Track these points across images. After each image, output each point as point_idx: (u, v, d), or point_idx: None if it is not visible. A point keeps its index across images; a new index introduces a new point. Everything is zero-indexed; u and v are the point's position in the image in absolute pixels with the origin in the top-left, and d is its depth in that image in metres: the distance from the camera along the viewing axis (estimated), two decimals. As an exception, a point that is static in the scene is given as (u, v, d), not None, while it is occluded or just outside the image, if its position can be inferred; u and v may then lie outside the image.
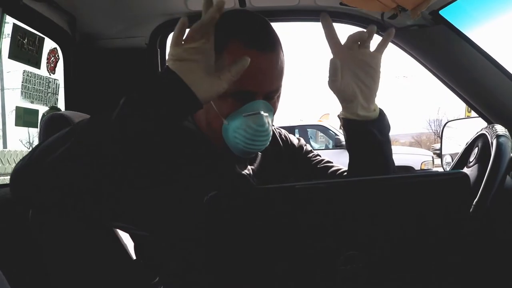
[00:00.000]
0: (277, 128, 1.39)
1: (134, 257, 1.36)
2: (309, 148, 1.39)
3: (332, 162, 1.38)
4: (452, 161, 1.56)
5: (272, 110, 1.13)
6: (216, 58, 1.01)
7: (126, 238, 1.36)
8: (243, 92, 1.08)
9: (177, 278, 1.16)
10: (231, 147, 1.13)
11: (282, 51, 1.13)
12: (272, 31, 1.13)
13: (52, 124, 1.41)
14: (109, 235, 1.30)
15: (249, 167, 1.24)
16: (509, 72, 1.65)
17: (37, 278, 1.36)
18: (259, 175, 1.24)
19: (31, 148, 0.97)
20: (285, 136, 1.38)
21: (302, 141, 1.41)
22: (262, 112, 1.09)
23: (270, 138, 1.14)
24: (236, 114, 1.09)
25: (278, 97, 1.16)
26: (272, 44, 1.10)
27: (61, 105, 2.03)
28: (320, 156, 1.39)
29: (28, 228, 1.28)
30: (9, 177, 0.94)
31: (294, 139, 1.40)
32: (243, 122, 1.09)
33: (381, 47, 1.18)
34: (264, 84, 1.09)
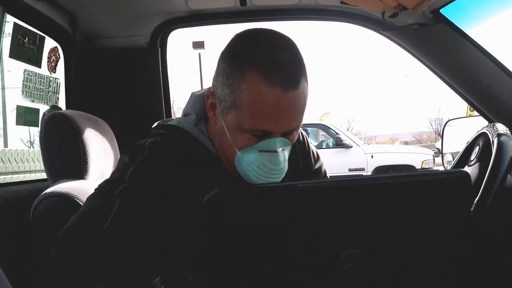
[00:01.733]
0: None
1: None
2: (319, 165, 1.33)
3: None
4: (453, 159, 1.56)
5: (290, 144, 1.06)
6: (232, 87, 0.98)
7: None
8: (260, 130, 1.00)
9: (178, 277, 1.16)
10: (243, 177, 1.07)
11: (307, 82, 1.02)
12: (299, 59, 1.01)
13: (53, 123, 1.41)
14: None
15: None
16: (510, 71, 1.65)
17: (37, 277, 1.36)
18: None
19: (32, 148, 0.98)
20: (303, 141, 1.31)
21: (320, 159, 1.34)
22: (278, 150, 1.02)
23: (285, 172, 1.07)
24: (251, 148, 1.03)
25: (298, 129, 1.08)
26: (297, 80, 0.98)
27: (61, 104, 2.03)
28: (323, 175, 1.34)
29: (28, 227, 1.28)
30: (10, 176, 0.94)
31: (313, 150, 1.33)
32: (257, 158, 1.02)
33: None
34: (284, 124, 1.01)
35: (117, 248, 0.98)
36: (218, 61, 1.05)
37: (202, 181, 1.06)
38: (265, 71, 0.96)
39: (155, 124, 1.23)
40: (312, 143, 1.34)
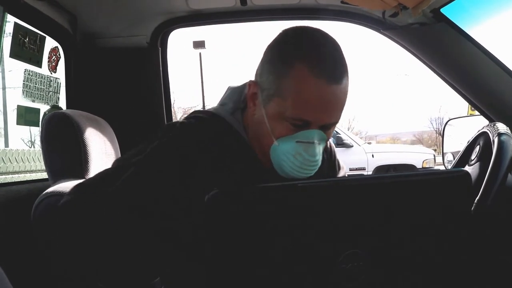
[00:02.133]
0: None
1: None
2: (342, 175, 1.36)
3: None
4: (454, 159, 1.56)
5: (326, 138, 1.08)
6: (278, 75, 1.02)
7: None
8: (301, 119, 1.03)
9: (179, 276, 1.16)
10: (277, 168, 1.09)
11: (348, 83, 1.06)
12: (343, 58, 1.06)
13: (54, 123, 1.42)
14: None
15: None
16: (510, 70, 1.65)
17: (37, 276, 1.36)
18: None
19: (32, 147, 0.98)
20: (330, 150, 1.35)
21: (343, 166, 1.38)
22: (315, 142, 1.04)
23: (318, 166, 1.09)
24: (288, 138, 1.05)
25: (335, 125, 1.11)
26: (341, 76, 1.03)
27: (62, 104, 2.03)
28: None
29: (28, 227, 1.29)
30: (11, 176, 0.95)
31: (338, 160, 1.37)
32: (294, 147, 1.04)
33: None
34: (324, 116, 1.04)
35: (115, 215, 0.96)
36: (265, 51, 1.09)
37: (230, 168, 1.09)
38: (311, 63, 1.00)
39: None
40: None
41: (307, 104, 1.00)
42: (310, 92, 1.00)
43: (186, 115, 1.21)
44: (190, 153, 1.06)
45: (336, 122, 1.08)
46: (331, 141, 1.35)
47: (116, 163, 1.09)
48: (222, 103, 1.21)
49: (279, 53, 1.05)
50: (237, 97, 1.20)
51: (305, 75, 1.00)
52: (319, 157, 1.07)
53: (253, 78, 1.12)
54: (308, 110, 1.01)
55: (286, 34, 1.08)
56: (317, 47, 1.03)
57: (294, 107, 1.01)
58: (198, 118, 1.16)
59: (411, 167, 9.36)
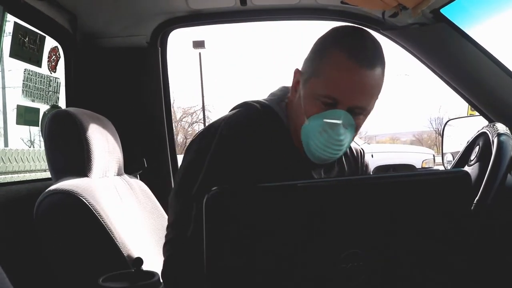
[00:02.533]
0: (360, 149, 1.42)
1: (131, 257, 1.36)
2: None
3: None
4: (453, 159, 1.56)
5: (354, 125, 1.13)
6: (317, 60, 1.13)
7: (124, 240, 1.36)
8: (330, 97, 1.10)
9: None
10: (305, 148, 1.16)
11: (383, 75, 1.13)
12: (380, 52, 1.13)
13: (57, 121, 1.42)
14: (107, 236, 1.30)
15: (323, 176, 1.27)
16: (510, 70, 1.65)
17: (38, 276, 1.36)
18: None
19: (32, 147, 0.98)
20: (366, 163, 1.42)
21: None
22: (341, 122, 1.10)
23: (343, 150, 1.17)
24: (317, 116, 1.12)
25: (366, 115, 1.16)
26: (373, 63, 1.10)
27: (62, 103, 2.03)
28: None
29: (28, 227, 1.29)
30: (10, 175, 0.95)
31: (368, 164, 1.43)
32: (321, 125, 1.11)
33: None
34: (351, 96, 1.10)
35: None
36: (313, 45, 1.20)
37: (270, 154, 1.18)
38: (346, 48, 1.09)
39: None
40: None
41: (337, 82, 1.09)
42: (341, 72, 1.09)
43: (235, 106, 1.31)
44: (243, 147, 1.16)
45: (366, 107, 1.14)
46: (368, 158, 1.44)
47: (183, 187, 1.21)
48: (272, 94, 1.32)
49: (320, 42, 1.16)
50: (286, 91, 1.30)
51: (339, 56, 1.09)
52: (345, 139, 1.13)
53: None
54: (337, 88, 1.09)
55: (331, 29, 1.18)
56: (355, 38, 1.13)
57: (325, 84, 1.10)
58: (247, 105, 1.27)
59: (410, 167, 9.37)
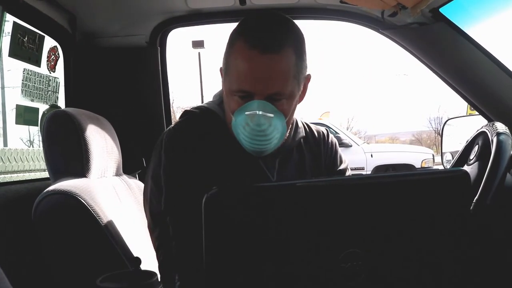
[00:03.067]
0: (322, 130, 1.38)
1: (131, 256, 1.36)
2: (343, 167, 1.38)
3: None
4: (453, 159, 1.56)
5: (278, 111, 1.10)
6: (226, 56, 1.12)
7: (123, 240, 1.36)
8: (243, 91, 1.09)
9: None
10: (240, 143, 1.15)
11: (297, 52, 1.10)
12: (287, 30, 1.11)
13: (55, 121, 1.42)
14: (105, 236, 1.30)
15: (277, 167, 1.25)
16: (509, 70, 1.65)
17: (37, 276, 1.36)
18: (283, 171, 1.25)
19: (31, 147, 0.98)
20: (331, 142, 1.38)
21: (345, 160, 1.41)
22: (258, 112, 1.08)
23: (274, 140, 1.13)
24: (239, 111, 1.11)
25: (290, 99, 1.13)
26: (278, 45, 1.07)
27: (61, 103, 2.03)
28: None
29: (27, 227, 1.29)
30: (10, 175, 0.95)
31: (338, 151, 1.39)
32: (244, 119, 1.10)
33: None
34: (262, 85, 1.08)
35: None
36: None
37: (217, 154, 1.18)
38: (248, 37, 1.08)
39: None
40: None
41: (244, 75, 1.07)
42: (245, 63, 1.07)
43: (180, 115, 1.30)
44: (188, 153, 1.17)
45: (284, 92, 1.10)
46: (333, 136, 1.39)
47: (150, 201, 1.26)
48: (214, 97, 1.31)
49: (229, 37, 1.14)
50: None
51: (241, 48, 1.08)
52: (269, 128, 1.10)
53: None
54: (246, 80, 1.08)
55: (239, 22, 1.16)
56: (256, 22, 1.12)
57: (235, 79, 1.09)
58: (190, 113, 1.26)
59: (410, 166, 9.37)
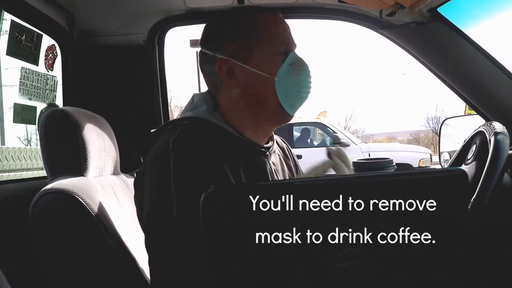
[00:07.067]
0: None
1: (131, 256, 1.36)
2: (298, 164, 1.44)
3: None
4: (450, 158, 1.56)
5: None
6: (247, 37, 1.20)
7: (121, 239, 1.36)
8: (283, 45, 1.21)
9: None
10: (285, 105, 1.20)
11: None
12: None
13: (53, 120, 1.41)
14: (103, 235, 1.30)
15: (278, 160, 1.31)
16: (507, 70, 1.66)
17: (36, 277, 1.36)
18: (283, 171, 1.31)
19: (29, 145, 0.98)
20: (287, 144, 1.45)
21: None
22: (301, 57, 1.22)
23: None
24: (283, 67, 1.19)
25: None
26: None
27: (59, 102, 2.03)
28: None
29: (25, 226, 1.28)
30: (8, 174, 0.95)
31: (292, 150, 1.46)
32: (292, 69, 1.19)
33: None
34: (291, 38, 1.24)
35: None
36: (210, 35, 1.27)
37: (229, 161, 1.14)
38: (260, 9, 1.26)
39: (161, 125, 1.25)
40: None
41: (280, 32, 1.22)
42: (278, 24, 1.23)
43: (164, 129, 1.21)
44: (203, 156, 1.11)
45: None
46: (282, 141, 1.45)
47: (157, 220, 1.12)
48: (195, 107, 1.23)
49: (230, 23, 1.24)
50: (208, 98, 1.24)
51: (265, 16, 1.22)
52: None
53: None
54: (283, 36, 1.22)
55: (228, 12, 1.30)
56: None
57: (274, 40, 1.20)
58: (182, 126, 1.17)
59: (407, 166, 9.38)
